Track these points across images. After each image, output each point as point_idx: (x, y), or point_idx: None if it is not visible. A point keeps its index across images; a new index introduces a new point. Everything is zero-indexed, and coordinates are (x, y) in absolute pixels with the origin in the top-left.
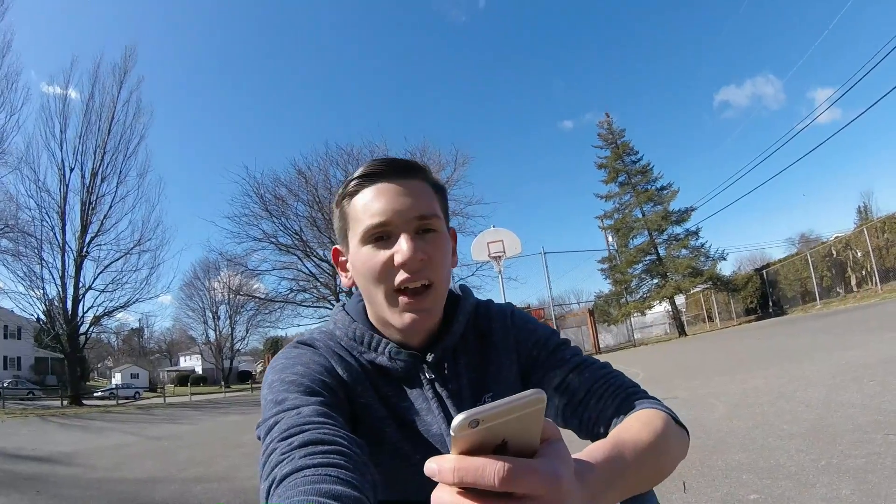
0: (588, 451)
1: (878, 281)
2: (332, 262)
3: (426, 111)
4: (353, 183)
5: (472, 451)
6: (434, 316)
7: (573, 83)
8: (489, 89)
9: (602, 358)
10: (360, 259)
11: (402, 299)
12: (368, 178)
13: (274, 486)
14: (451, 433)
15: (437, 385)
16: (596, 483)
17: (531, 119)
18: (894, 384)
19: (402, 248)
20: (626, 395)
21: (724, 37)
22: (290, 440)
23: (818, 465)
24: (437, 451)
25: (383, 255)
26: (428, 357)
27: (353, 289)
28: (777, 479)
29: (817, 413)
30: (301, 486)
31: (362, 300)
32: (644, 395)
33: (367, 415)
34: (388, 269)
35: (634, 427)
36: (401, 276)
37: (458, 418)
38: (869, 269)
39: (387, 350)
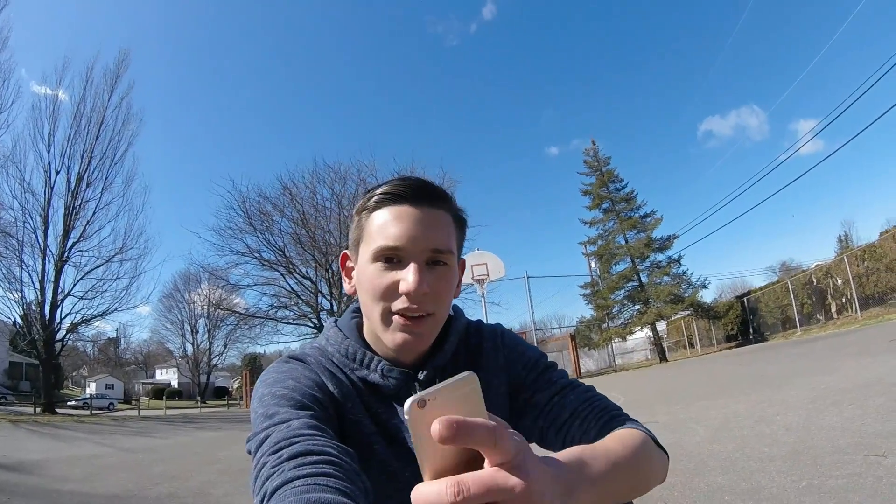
0: (561, 452)
1: (858, 308)
2: (313, 279)
3: (415, 131)
4: (375, 198)
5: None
6: (427, 341)
7: (561, 110)
8: (478, 113)
9: (584, 383)
10: (366, 275)
11: (398, 320)
12: (392, 198)
13: (266, 499)
14: (405, 416)
15: None
16: (568, 475)
17: (518, 144)
18: (873, 407)
19: (409, 278)
20: (610, 418)
21: (711, 68)
22: (279, 453)
23: (799, 485)
24: None
25: (389, 276)
26: (420, 375)
27: (355, 298)
28: (759, 500)
29: (797, 436)
30: (291, 497)
31: (356, 317)
32: (626, 418)
33: (357, 431)
34: (391, 291)
35: (609, 440)
36: (401, 302)
37: (407, 402)
38: (849, 297)
39: (379, 367)
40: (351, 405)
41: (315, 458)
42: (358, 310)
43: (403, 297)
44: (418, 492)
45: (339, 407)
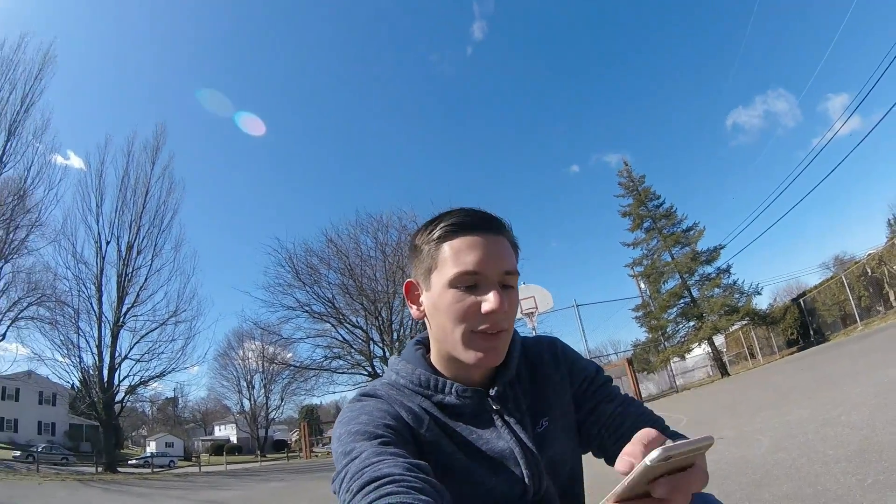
0: None
1: None
2: (364, 328)
3: (441, 169)
4: (444, 228)
5: (651, 478)
6: (502, 355)
7: (574, 125)
8: (497, 142)
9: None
10: (446, 300)
11: (479, 339)
12: (461, 228)
13: None
14: (648, 462)
15: (504, 415)
16: None
17: (541, 168)
18: None
19: (492, 300)
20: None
21: (731, 58)
22: (351, 488)
23: (864, 484)
24: (509, 471)
25: (470, 300)
26: (491, 391)
27: (417, 329)
28: (824, 503)
29: (862, 434)
30: None
31: (419, 348)
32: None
33: (436, 450)
34: (473, 313)
35: None
36: (482, 322)
37: (655, 452)
38: None
39: (454, 390)
40: (426, 428)
41: (380, 482)
42: (419, 342)
43: (484, 317)
44: None
45: (414, 431)
